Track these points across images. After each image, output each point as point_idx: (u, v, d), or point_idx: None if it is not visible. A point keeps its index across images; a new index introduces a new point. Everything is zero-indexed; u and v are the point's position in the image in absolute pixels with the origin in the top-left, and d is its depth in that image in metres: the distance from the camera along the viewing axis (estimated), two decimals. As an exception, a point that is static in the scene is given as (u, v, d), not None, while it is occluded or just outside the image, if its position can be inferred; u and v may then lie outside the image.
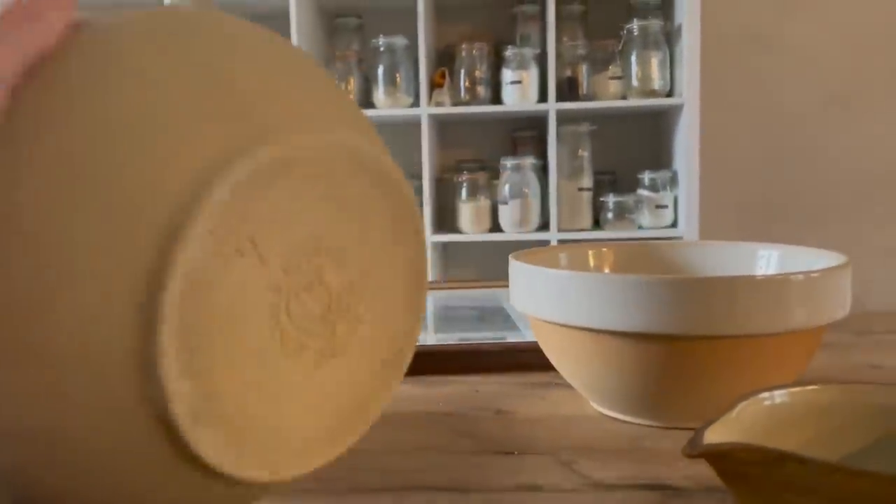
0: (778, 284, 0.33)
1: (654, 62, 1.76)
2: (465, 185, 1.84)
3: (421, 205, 1.76)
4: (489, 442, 0.36)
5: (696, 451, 0.21)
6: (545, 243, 1.80)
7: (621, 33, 1.82)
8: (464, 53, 1.83)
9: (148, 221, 0.20)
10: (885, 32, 1.95)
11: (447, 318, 0.59)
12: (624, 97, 1.80)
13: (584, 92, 1.81)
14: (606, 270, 0.48)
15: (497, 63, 1.83)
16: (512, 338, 0.51)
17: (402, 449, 0.36)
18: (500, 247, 1.92)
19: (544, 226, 1.83)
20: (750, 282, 0.33)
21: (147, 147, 0.21)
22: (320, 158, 0.23)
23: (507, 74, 1.78)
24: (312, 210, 0.23)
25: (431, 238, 1.81)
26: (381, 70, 1.81)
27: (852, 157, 1.99)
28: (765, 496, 0.21)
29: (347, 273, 0.25)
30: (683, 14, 1.70)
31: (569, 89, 1.80)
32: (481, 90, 1.82)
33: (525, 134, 1.95)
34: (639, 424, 0.38)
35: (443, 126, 2.01)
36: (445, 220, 1.94)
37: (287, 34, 1.74)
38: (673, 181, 1.82)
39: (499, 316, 0.58)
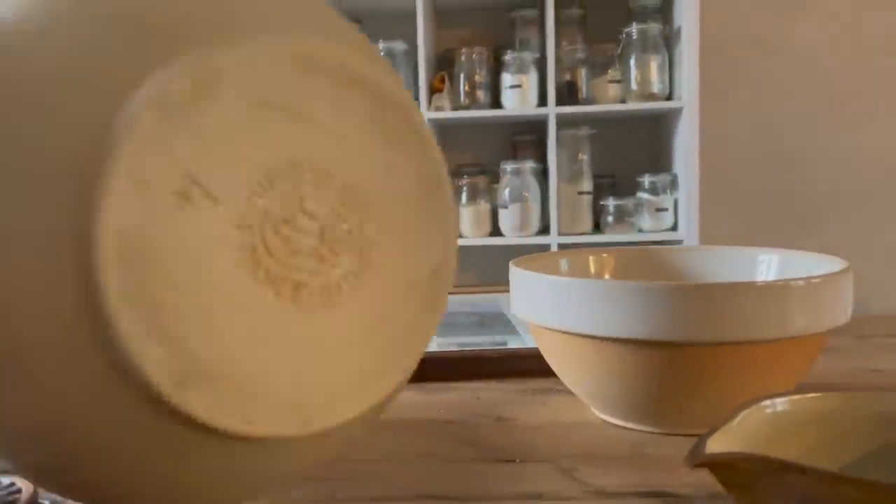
0: (779, 291, 0.33)
1: (654, 66, 1.77)
2: (465, 189, 1.84)
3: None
4: (490, 450, 0.36)
5: (698, 460, 0.21)
6: (545, 247, 1.80)
7: (620, 37, 1.82)
8: (463, 58, 1.83)
9: (63, 184, 0.18)
10: (884, 35, 1.96)
11: (447, 323, 0.59)
12: (623, 101, 1.80)
13: (584, 96, 1.81)
14: (607, 276, 0.47)
15: (496, 67, 1.83)
16: (513, 343, 0.51)
17: (403, 457, 0.35)
18: (500, 251, 1.92)
19: (544, 230, 1.83)
20: (751, 288, 0.33)
21: (45, 102, 0.19)
22: (256, 67, 0.20)
23: (507, 79, 1.78)
24: (265, 129, 0.20)
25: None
26: (380, 75, 1.81)
27: (852, 160, 1.99)
28: (767, 505, 0.21)
29: (334, 195, 0.22)
30: (682, 17, 1.70)
31: (568, 93, 1.80)
32: (481, 94, 1.82)
33: (525, 138, 1.95)
34: (640, 431, 0.38)
35: (442, 130, 2.01)
36: (445, 224, 1.94)
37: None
38: (673, 184, 1.82)
39: (499, 321, 0.58)
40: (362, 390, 0.23)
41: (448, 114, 1.78)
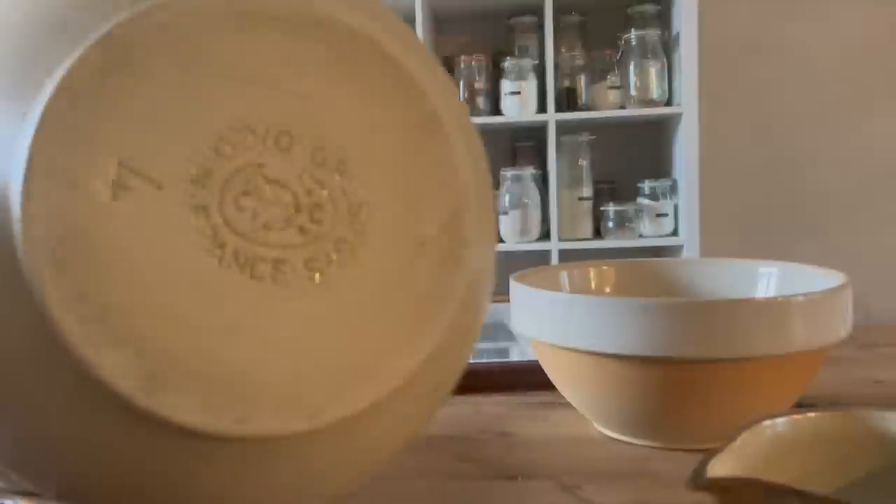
0: (779, 307, 0.33)
1: (653, 71, 1.77)
2: (465, 196, 1.84)
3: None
4: (492, 467, 0.36)
5: (700, 485, 0.21)
6: (546, 253, 1.80)
7: (619, 43, 1.82)
8: (462, 65, 1.83)
9: None
10: (883, 38, 1.96)
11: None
12: (623, 106, 1.80)
13: (583, 102, 1.82)
14: (608, 290, 0.48)
15: (496, 74, 1.83)
16: (514, 351, 0.51)
17: (404, 475, 0.35)
18: (500, 257, 1.92)
19: (545, 236, 1.83)
20: (751, 304, 0.33)
21: None
22: (179, 32, 0.18)
23: (506, 85, 1.78)
24: (204, 97, 0.18)
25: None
26: (380, 82, 1.81)
27: (852, 162, 1.99)
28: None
29: (305, 157, 0.19)
30: (681, 23, 1.71)
31: (567, 99, 1.80)
32: (480, 101, 1.83)
33: (524, 144, 1.95)
34: (642, 446, 0.38)
35: (442, 137, 2.01)
36: (446, 231, 1.94)
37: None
38: (673, 189, 1.82)
39: (501, 330, 0.58)
40: (377, 372, 0.20)
41: (448, 121, 1.78)
